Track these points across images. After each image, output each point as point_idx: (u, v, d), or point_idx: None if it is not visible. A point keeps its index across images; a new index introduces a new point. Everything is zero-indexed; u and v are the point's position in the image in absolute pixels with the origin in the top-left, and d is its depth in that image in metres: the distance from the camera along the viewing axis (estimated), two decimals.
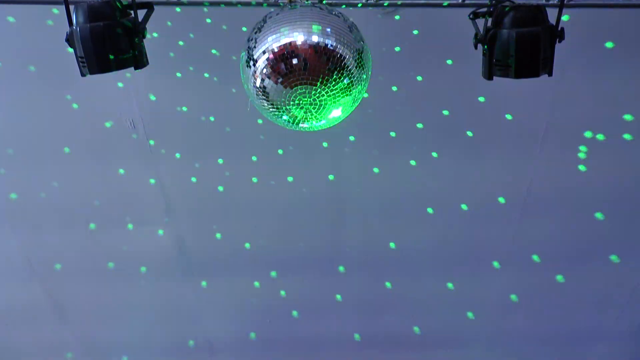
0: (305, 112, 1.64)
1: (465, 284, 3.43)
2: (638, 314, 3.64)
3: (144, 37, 1.82)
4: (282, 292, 3.53)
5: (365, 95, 1.76)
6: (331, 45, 1.59)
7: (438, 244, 3.20)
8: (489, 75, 1.80)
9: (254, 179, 3.00)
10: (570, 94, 2.59)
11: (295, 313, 3.67)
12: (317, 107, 1.63)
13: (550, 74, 1.77)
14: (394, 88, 2.66)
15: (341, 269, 3.35)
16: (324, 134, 2.72)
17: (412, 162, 2.89)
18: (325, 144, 2.84)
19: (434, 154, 2.88)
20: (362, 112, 2.67)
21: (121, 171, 2.93)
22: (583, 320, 3.68)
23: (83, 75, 1.80)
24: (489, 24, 1.76)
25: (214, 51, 2.56)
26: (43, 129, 2.80)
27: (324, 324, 3.72)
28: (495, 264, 3.28)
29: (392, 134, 2.81)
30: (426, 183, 2.95)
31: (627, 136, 2.75)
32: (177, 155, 2.94)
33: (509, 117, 2.70)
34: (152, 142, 2.84)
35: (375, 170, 2.93)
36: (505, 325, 3.72)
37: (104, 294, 3.51)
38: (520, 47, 1.70)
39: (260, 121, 2.65)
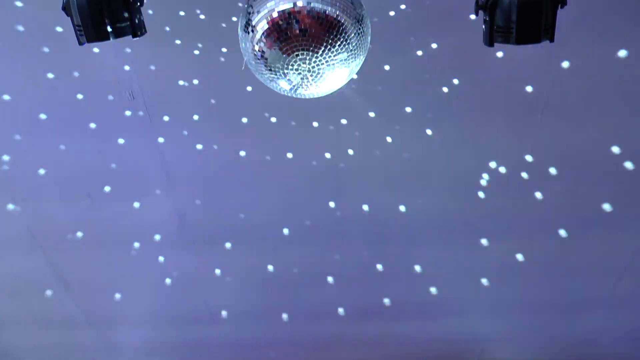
0: (303, 79, 1.64)
1: (464, 252, 3.46)
2: (636, 281, 3.68)
3: (141, 4, 1.81)
4: (283, 263, 3.56)
5: (362, 64, 1.75)
6: (331, 12, 1.58)
7: (438, 214, 3.22)
8: (489, 42, 1.79)
9: (257, 152, 3.01)
10: (573, 62, 2.57)
11: (296, 284, 3.71)
12: (315, 73, 1.63)
13: (552, 40, 1.76)
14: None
15: (340, 239, 3.38)
16: (323, 103, 2.71)
17: (411, 133, 2.89)
18: (324, 114, 2.84)
19: (430, 128, 2.88)
20: (360, 81, 2.66)
21: (120, 141, 2.93)
22: (580, 288, 3.73)
23: (80, 43, 1.79)
24: None
25: (216, 22, 2.54)
26: (39, 100, 2.79)
27: (324, 295, 3.76)
28: (494, 232, 3.31)
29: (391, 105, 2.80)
30: (425, 153, 2.96)
31: (629, 107, 2.74)
32: (178, 126, 2.94)
33: (510, 85, 2.68)
34: (151, 113, 2.83)
35: (374, 140, 2.93)
36: (502, 293, 3.76)
37: (106, 265, 3.56)
38: (521, 12, 1.69)
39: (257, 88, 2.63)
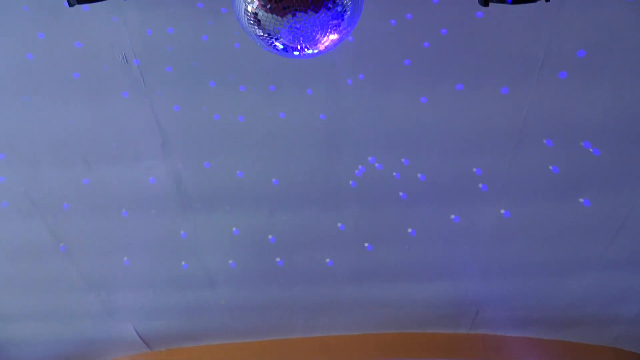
0: (296, 39, 1.63)
1: (459, 214, 3.49)
2: (627, 244, 3.73)
3: None
4: (280, 227, 3.59)
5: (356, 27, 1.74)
6: None
7: (433, 176, 3.24)
8: (484, 1, 1.78)
9: (253, 114, 3.00)
10: (569, 21, 2.55)
11: (293, 247, 3.75)
12: (308, 34, 1.62)
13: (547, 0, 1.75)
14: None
15: (338, 201, 3.40)
16: (318, 63, 2.70)
17: (406, 95, 2.88)
18: (319, 76, 2.82)
19: (426, 90, 2.87)
20: (356, 42, 2.65)
21: (115, 106, 2.92)
22: (573, 249, 3.78)
23: (70, 5, 1.77)
24: None
25: None
26: (33, 64, 2.76)
27: (321, 257, 3.81)
28: (488, 194, 3.33)
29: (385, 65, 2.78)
30: (420, 115, 2.95)
31: (627, 65, 2.72)
32: (173, 90, 2.93)
33: (505, 45, 2.66)
34: (145, 77, 2.82)
35: (369, 102, 2.93)
36: (496, 256, 3.82)
37: (104, 230, 3.58)
38: None
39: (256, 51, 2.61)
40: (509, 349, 4.86)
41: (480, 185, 3.29)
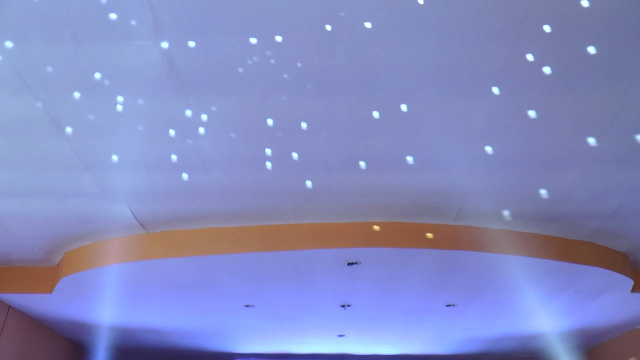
0: None
1: (451, 105, 3.52)
2: (616, 140, 3.80)
3: None
4: (273, 111, 3.61)
5: None
6: None
7: (427, 65, 3.22)
8: None
9: None
10: None
11: (286, 132, 3.78)
12: None
13: None
14: None
15: (330, 88, 3.39)
16: None
17: None
18: None
19: None
20: None
21: None
22: (561, 144, 3.85)
23: None
24: None
25: None
26: None
27: (313, 142, 3.86)
28: (482, 86, 3.34)
29: None
30: (417, 2, 2.88)
31: None
32: None
33: None
34: None
35: None
36: (484, 148, 3.89)
37: (96, 109, 3.59)
38: None
39: None
40: (490, 241, 5.09)
41: (474, 76, 3.28)
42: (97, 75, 3.33)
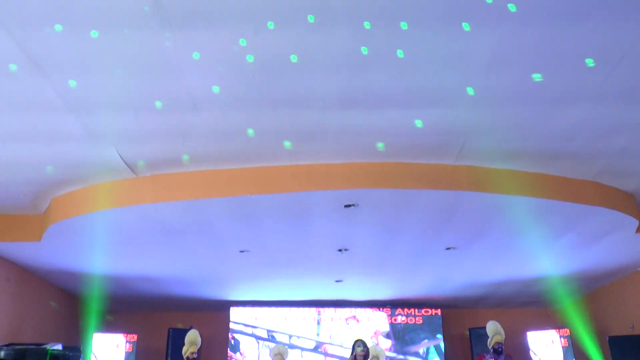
0: None
1: (452, 40, 3.42)
2: (627, 76, 3.73)
3: None
4: (264, 48, 3.50)
5: None
6: None
7: None
8: None
9: None
10: None
11: (278, 70, 3.70)
12: None
13: None
14: None
15: (324, 22, 3.28)
16: None
17: None
18: None
19: None
20: None
21: None
22: (567, 79, 3.78)
23: None
24: None
25: None
26: None
27: (308, 80, 3.78)
28: (485, 18, 3.22)
29: None
30: None
31: None
32: None
33: None
34: None
35: None
36: (490, 83, 3.81)
37: (76, 46, 3.47)
38: None
39: None
40: (492, 181, 5.08)
41: (474, 6, 3.16)
42: (76, 10, 3.18)
